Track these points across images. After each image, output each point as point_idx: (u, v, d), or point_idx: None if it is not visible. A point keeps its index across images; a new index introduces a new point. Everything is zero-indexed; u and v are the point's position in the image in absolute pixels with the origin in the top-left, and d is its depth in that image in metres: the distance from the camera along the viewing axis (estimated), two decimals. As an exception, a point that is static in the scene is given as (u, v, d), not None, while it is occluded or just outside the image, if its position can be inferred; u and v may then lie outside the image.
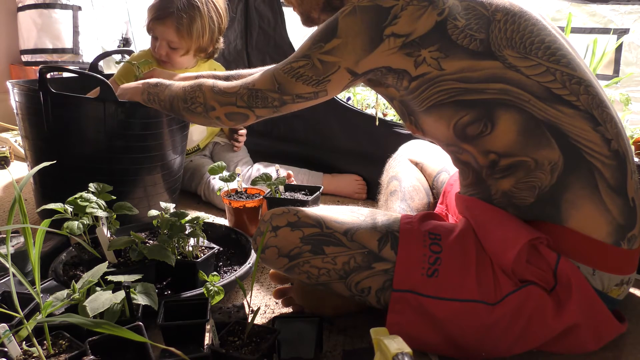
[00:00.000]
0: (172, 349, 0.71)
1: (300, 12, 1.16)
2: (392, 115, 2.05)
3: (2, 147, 2.28)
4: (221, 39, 1.89)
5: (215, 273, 1.11)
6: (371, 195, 1.86)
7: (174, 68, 1.84)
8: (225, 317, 0.99)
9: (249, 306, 0.92)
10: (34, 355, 0.79)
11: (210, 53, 1.89)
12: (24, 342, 0.81)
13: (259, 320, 1.09)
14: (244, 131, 2.03)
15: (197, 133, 1.96)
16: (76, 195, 1.09)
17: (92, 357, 0.78)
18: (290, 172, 1.70)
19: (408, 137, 1.63)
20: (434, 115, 0.97)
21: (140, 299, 0.91)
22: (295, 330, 0.94)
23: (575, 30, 1.83)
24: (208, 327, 0.91)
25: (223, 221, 1.59)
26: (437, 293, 0.91)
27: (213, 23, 1.79)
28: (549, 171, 0.91)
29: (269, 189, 1.46)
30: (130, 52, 1.95)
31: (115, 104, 1.36)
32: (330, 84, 0.99)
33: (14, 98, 1.47)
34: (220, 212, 1.72)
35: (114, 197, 1.15)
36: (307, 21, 1.17)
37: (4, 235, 1.17)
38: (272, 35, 2.09)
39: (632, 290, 1.21)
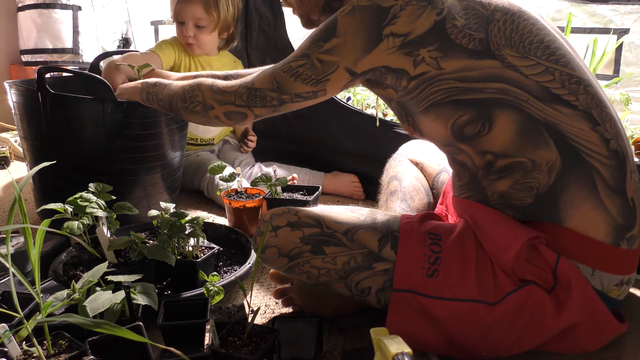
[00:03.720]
0: (172, 349, 0.71)
1: (300, 14, 1.16)
2: (392, 115, 2.05)
3: (2, 147, 2.28)
4: (238, 24, 1.98)
5: (215, 273, 1.11)
6: (371, 195, 1.86)
7: (201, 51, 1.92)
8: (225, 317, 0.99)
9: (249, 306, 0.92)
10: (34, 355, 0.79)
11: (231, 35, 1.98)
12: (24, 342, 0.81)
13: (259, 320, 1.09)
14: (254, 137, 2.05)
15: None
16: (76, 195, 1.09)
17: (92, 357, 0.78)
18: (295, 175, 1.70)
19: (408, 137, 1.63)
20: (432, 115, 0.97)
21: (140, 299, 0.91)
22: (295, 330, 0.93)
23: (575, 30, 1.83)
24: (208, 327, 0.91)
25: (223, 221, 1.59)
26: (437, 293, 0.91)
27: None
28: (547, 171, 0.91)
29: (269, 190, 1.46)
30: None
31: (113, 104, 1.36)
32: (329, 84, 0.99)
33: (12, 98, 1.47)
34: (221, 209, 1.72)
35: (114, 197, 1.15)
36: (307, 23, 1.17)
37: (4, 235, 1.17)
38: (272, 36, 2.09)
39: (632, 290, 1.21)
